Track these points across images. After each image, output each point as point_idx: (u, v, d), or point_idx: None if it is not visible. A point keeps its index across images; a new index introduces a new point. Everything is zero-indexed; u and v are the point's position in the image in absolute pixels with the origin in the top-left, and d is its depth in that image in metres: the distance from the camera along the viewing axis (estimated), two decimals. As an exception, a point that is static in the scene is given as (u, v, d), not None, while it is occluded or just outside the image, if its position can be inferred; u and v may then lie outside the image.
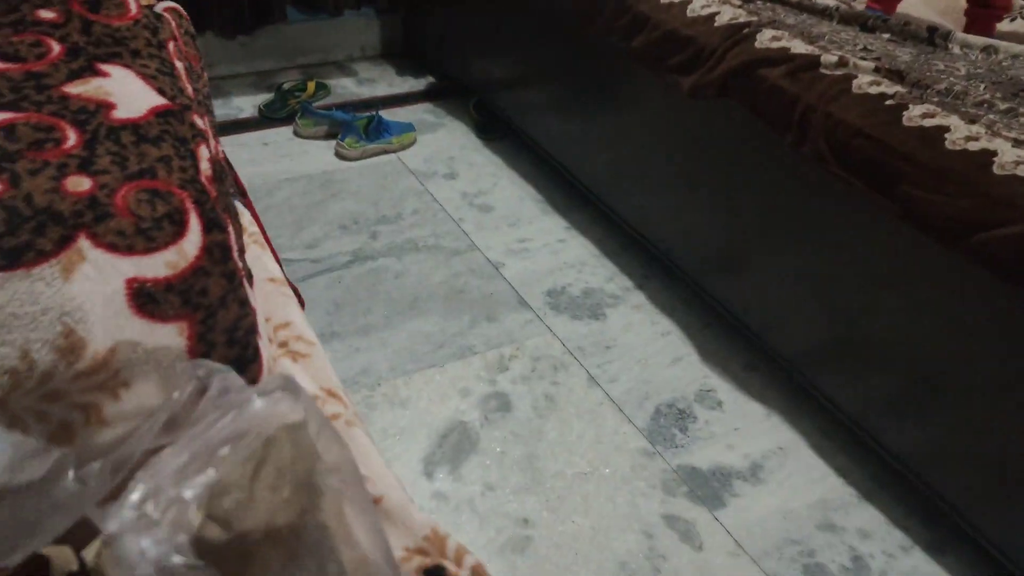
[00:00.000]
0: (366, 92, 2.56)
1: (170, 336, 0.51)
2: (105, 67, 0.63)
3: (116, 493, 0.38)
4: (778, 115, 1.43)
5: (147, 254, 0.52)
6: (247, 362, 0.54)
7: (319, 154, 2.22)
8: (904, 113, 1.26)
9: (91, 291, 0.50)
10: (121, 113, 0.59)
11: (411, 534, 0.55)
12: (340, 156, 2.19)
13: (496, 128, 2.34)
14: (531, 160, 2.27)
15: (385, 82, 2.62)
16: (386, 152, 2.22)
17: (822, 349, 1.53)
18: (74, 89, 0.59)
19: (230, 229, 0.59)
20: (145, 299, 0.51)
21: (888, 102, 1.29)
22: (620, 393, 1.63)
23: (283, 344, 0.68)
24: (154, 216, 0.54)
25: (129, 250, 0.52)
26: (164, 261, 0.52)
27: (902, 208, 1.23)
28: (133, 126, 0.58)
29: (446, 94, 2.56)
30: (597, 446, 1.51)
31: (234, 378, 0.46)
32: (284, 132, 2.29)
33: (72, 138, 0.55)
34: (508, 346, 1.71)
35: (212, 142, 0.67)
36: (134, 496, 0.37)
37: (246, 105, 2.39)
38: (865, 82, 1.34)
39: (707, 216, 1.70)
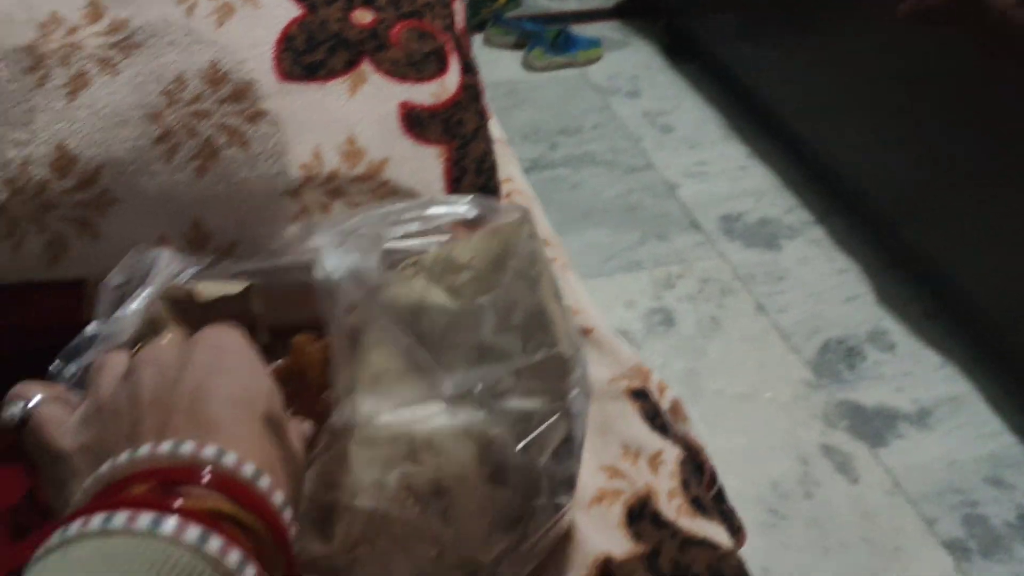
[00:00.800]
0: (555, 6, 2.57)
1: (431, 157, 0.57)
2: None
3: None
4: (1006, 47, 1.32)
5: (417, 83, 0.58)
6: (489, 192, 0.59)
7: (506, 63, 2.27)
8: None
9: (371, 108, 0.56)
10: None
11: (618, 364, 0.60)
12: (527, 67, 2.22)
13: (685, 50, 2.29)
14: (718, 84, 2.21)
15: (576, -3, 2.62)
16: (571, 66, 2.23)
17: None
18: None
19: (480, 77, 0.64)
20: (413, 121, 0.57)
21: None
22: (788, 324, 1.60)
23: (507, 196, 0.74)
24: (422, 51, 0.59)
25: (403, 77, 0.58)
26: (430, 91, 0.58)
27: None
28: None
29: (635, 13, 2.53)
30: (759, 371, 1.51)
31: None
32: (474, 40, 2.35)
33: (355, -22, 0.61)
34: (676, 265, 1.71)
35: (461, 5, 0.72)
36: (341, 226, 0.41)
37: (441, 11, 2.47)
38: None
39: (907, 153, 1.62)
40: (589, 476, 0.52)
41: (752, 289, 1.67)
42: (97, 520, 0.27)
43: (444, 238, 0.45)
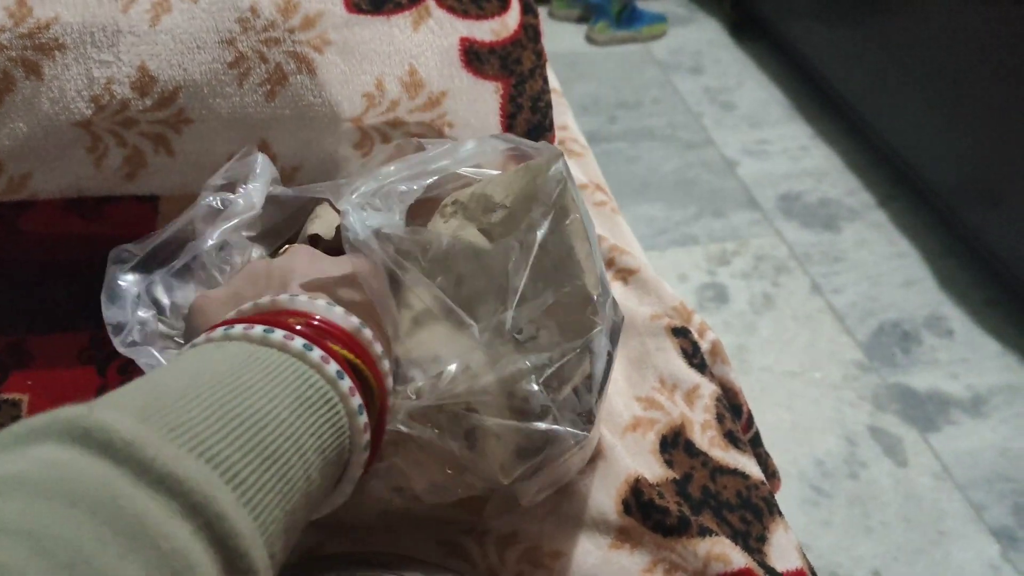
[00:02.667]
0: (622, -19, 2.55)
1: (488, 91, 0.59)
2: None
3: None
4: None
5: (478, 19, 0.60)
6: (544, 130, 0.61)
7: (570, 36, 2.27)
8: None
9: (433, 42, 0.58)
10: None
11: (662, 303, 0.61)
12: (590, 40, 2.22)
13: (751, 27, 2.26)
14: (783, 63, 2.18)
15: (642, -28, 2.60)
16: (635, 40, 2.22)
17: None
18: None
19: (540, 20, 0.65)
20: (473, 56, 0.58)
21: None
22: (843, 305, 1.58)
23: (561, 142, 0.75)
24: (485, -9, 0.61)
25: (465, 14, 0.59)
26: (490, 28, 0.60)
27: None
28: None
29: (703, -10, 2.50)
30: (810, 350, 1.49)
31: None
32: (540, 12, 2.35)
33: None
34: (732, 242, 1.70)
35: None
36: (364, 189, 0.44)
37: (507, -17, 2.48)
38: None
39: (973, 137, 1.57)
40: (624, 405, 0.54)
41: (808, 269, 1.65)
42: (259, 329, 0.32)
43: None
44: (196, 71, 0.55)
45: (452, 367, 0.38)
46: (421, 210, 0.44)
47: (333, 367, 0.32)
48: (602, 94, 2.07)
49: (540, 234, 0.42)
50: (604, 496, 0.48)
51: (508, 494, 0.41)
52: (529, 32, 0.61)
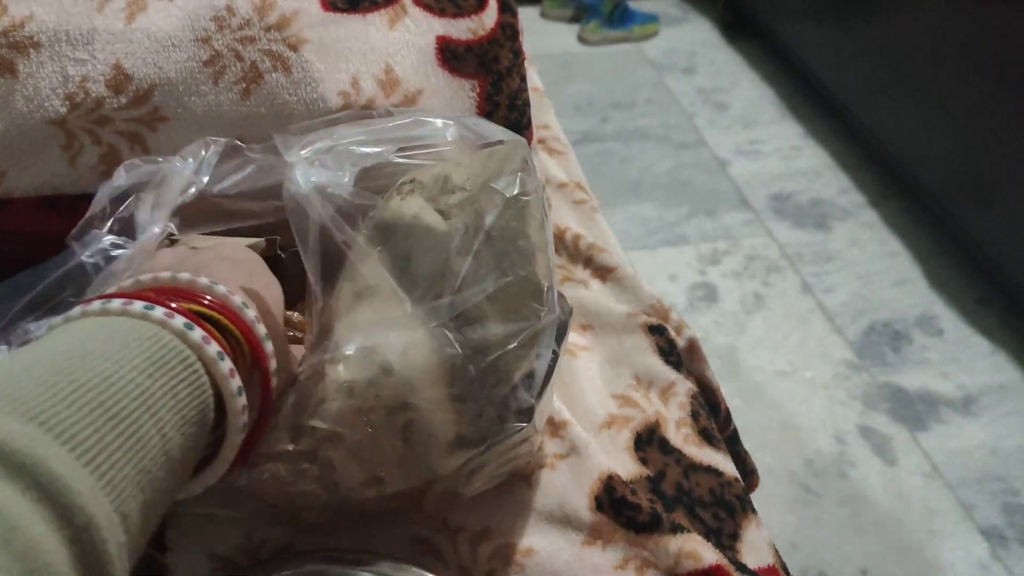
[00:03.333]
0: (615, -19, 2.55)
1: (465, 90, 0.58)
2: None
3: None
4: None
5: (455, 18, 0.60)
6: (522, 128, 0.61)
7: (562, 36, 2.27)
8: None
9: (409, 40, 0.58)
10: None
11: (639, 300, 0.61)
12: (582, 40, 2.22)
13: (744, 28, 2.26)
14: (776, 63, 2.18)
15: (635, -27, 2.61)
16: (627, 40, 2.22)
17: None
18: None
19: (519, 18, 0.65)
20: (449, 54, 0.58)
21: None
22: (834, 304, 1.58)
23: (541, 141, 0.75)
24: (462, -11, 0.61)
25: (441, 12, 0.59)
26: (467, 27, 0.60)
27: None
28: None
29: (696, -10, 2.50)
30: (801, 350, 1.49)
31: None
32: (531, 12, 2.35)
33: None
34: (723, 241, 1.70)
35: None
36: (318, 145, 0.44)
37: (500, -16, 2.48)
38: None
39: (965, 137, 1.57)
40: (600, 403, 0.54)
41: (799, 268, 1.65)
42: (96, 303, 0.32)
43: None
44: (171, 69, 0.55)
45: (389, 355, 0.38)
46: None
47: (179, 320, 0.32)
48: (595, 94, 2.07)
49: (489, 220, 0.41)
50: (577, 493, 0.48)
51: (449, 486, 0.41)
52: (507, 31, 0.61)
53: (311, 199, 0.39)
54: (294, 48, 0.56)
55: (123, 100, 0.54)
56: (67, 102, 0.54)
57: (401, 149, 0.47)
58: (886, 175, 1.85)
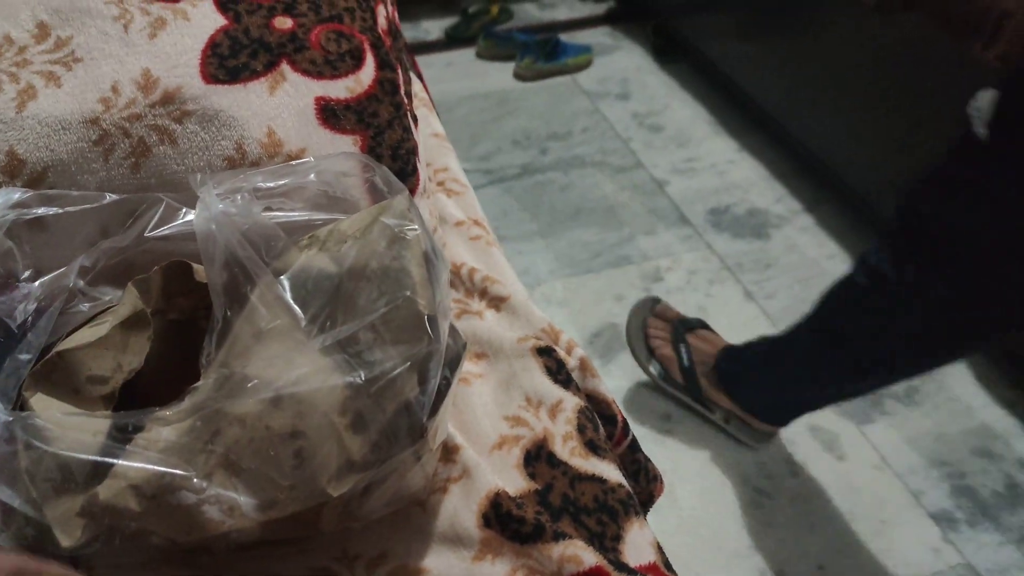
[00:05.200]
0: (547, 16, 2.63)
1: (346, 145, 0.62)
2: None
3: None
4: (968, 23, 1.35)
5: (333, 79, 0.64)
6: (406, 175, 0.65)
7: (498, 74, 2.33)
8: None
9: (289, 104, 0.62)
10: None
11: (530, 325, 0.64)
12: (518, 76, 2.28)
13: (674, 51, 2.33)
14: (707, 83, 2.25)
15: (566, 6, 2.68)
16: (562, 73, 2.29)
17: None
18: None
19: (399, 72, 0.70)
20: (329, 114, 0.62)
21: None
22: (776, 310, 1.63)
23: (440, 183, 0.79)
24: (339, 51, 0.65)
25: (319, 75, 0.63)
26: (345, 86, 0.64)
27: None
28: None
29: (625, 17, 2.58)
30: (746, 356, 1.53)
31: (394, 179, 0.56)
32: (467, 54, 2.42)
33: (280, -10, 0.68)
34: (665, 258, 1.75)
35: (389, 7, 0.78)
36: (227, 184, 0.47)
37: (433, 28, 2.54)
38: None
39: (888, 138, 1.64)
40: (492, 426, 0.57)
41: (740, 277, 1.70)
42: None
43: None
44: (63, 151, 0.58)
45: (281, 387, 0.41)
46: None
47: None
48: (533, 127, 2.12)
49: (374, 260, 0.46)
50: (467, 512, 0.51)
51: (344, 507, 0.45)
52: (385, 86, 0.66)
53: (220, 221, 0.43)
54: (179, 121, 0.60)
55: (18, 183, 0.58)
56: (-35, 190, 0.57)
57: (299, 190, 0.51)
58: (818, 181, 1.91)
